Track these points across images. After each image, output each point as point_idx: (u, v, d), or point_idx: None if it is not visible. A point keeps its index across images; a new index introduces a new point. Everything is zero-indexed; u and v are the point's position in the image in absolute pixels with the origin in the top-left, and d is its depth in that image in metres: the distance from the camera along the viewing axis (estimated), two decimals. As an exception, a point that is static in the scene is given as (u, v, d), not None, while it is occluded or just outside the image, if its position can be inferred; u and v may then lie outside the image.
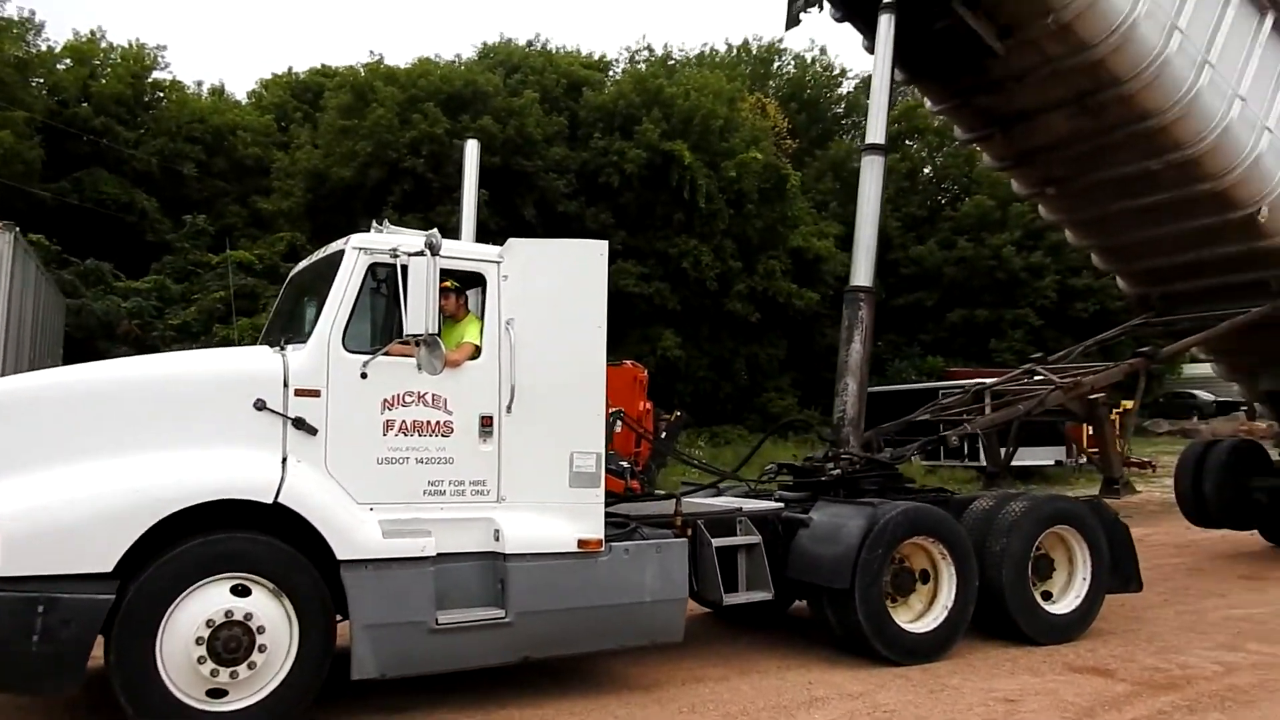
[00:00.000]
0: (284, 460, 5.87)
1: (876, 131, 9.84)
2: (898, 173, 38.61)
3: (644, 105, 31.09)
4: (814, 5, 10.37)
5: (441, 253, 6.10)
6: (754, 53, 45.22)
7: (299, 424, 5.92)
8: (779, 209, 32.57)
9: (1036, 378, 11.22)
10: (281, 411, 5.92)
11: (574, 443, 6.58)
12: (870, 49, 10.82)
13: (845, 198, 37.73)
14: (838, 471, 8.72)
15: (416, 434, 6.21)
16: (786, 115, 39.48)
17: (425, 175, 27.97)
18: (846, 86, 45.39)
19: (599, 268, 6.79)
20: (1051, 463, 23.58)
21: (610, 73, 37.43)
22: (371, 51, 38.15)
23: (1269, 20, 10.90)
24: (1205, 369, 28.38)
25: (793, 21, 10.62)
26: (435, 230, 6.33)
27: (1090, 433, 24.38)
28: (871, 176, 9.73)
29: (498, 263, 6.67)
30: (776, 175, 32.49)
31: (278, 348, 6.23)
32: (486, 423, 6.43)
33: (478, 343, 6.55)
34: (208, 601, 5.55)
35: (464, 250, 6.79)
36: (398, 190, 27.92)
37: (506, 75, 32.84)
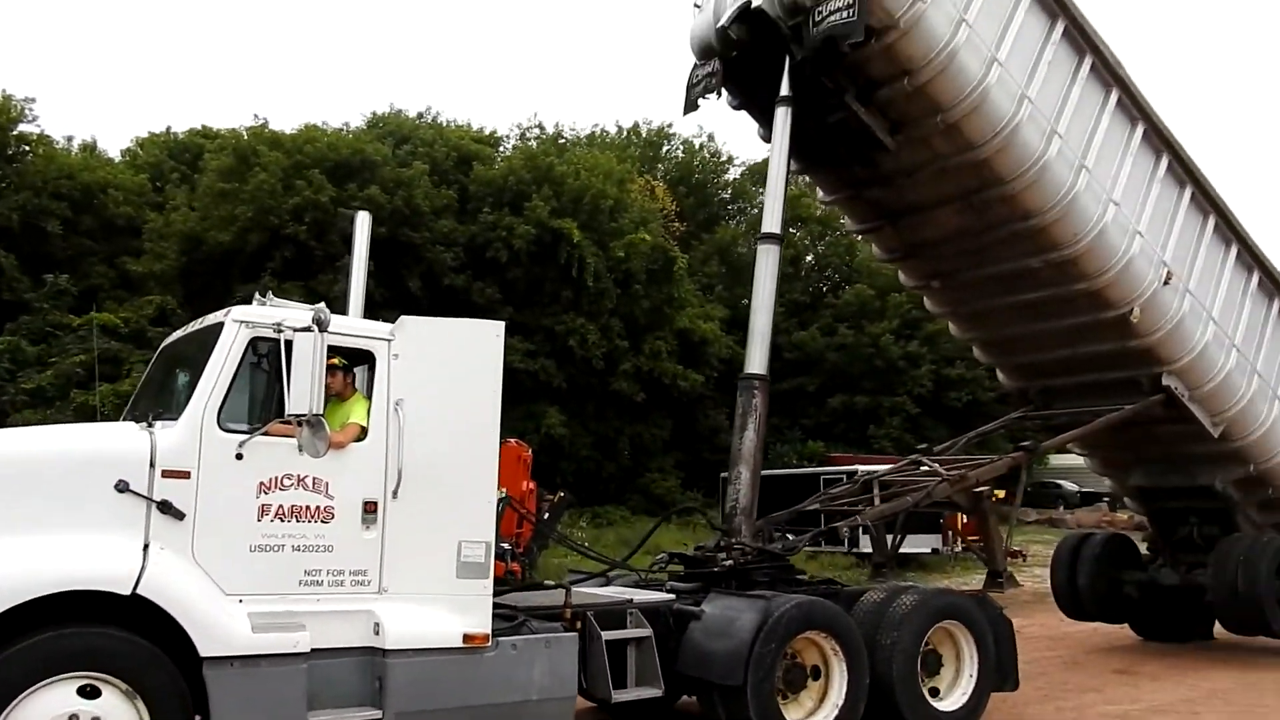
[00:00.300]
0: (146, 547, 5.42)
1: (772, 221, 9.94)
2: (782, 260, 39.15)
3: (534, 182, 31.15)
4: (712, 91, 10.46)
5: (330, 329, 5.78)
6: (644, 135, 45.96)
7: (165, 508, 5.48)
8: (666, 290, 32.83)
9: (923, 469, 11.31)
10: (146, 494, 5.48)
11: (462, 531, 6.27)
12: (765, 137, 11.02)
13: (731, 281, 38.32)
14: (730, 562, 8.57)
15: (294, 519, 5.84)
16: (675, 198, 40.08)
17: (308, 243, 27.35)
18: (734, 173, 46.43)
19: (494, 349, 6.57)
20: (929, 551, 23.94)
21: (501, 148, 37.50)
22: (256, 115, 37.33)
23: (1139, 130, 11.43)
24: (1070, 460, 29.47)
25: (691, 106, 10.70)
26: (323, 305, 6.01)
27: (966, 521, 24.96)
28: (767, 265, 9.79)
29: (388, 340, 6.39)
30: (664, 257, 32.81)
31: (145, 424, 5.79)
32: (370, 508, 6.09)
33: (364, 424, 6.22)
34: (48, 705, 5.04)
35: (353, 327, 6.49)
36: (278, 257, 27.21)
37: (396, 145, 32.60)
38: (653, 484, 31.61)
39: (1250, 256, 12.49)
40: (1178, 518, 13.76)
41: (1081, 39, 10.93)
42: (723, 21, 10.08)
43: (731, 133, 60.88)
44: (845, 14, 9.15)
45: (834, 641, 7.82)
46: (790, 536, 9.69)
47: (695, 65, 10.67)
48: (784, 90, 9.93)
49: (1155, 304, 11.27)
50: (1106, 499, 41.01)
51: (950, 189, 10.73)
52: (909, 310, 37.42)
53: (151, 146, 37.07)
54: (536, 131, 39.82)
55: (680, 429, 33.67)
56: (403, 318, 6.55)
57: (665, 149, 46.30)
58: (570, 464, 29.28)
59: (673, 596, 8.14)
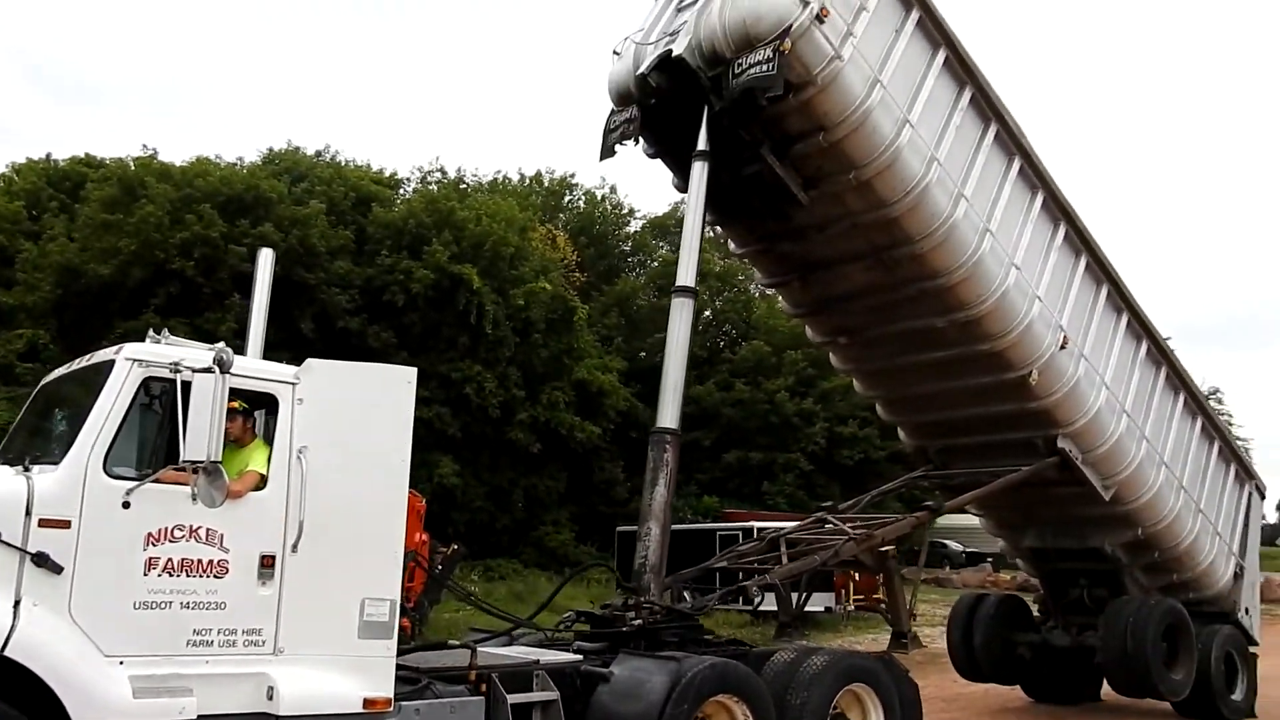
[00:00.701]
0: (17, 604, 4.94)
1: (686, 274, 9.88)
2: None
3: (435, 226, 30.69)
4: (630, 138, 10.38)
5: (232, 370, 5.41)
6: (546, 184, 45.95)
7: (40, 560, 5.02)
8: (565, 340, 32.60)
9: (828, 527, 11.27)
10: (19, 545, 4.99)
11: (366, 588, 5.90)
12: (679, 186, 11.01)
13: (630, 333, 38.32)
14: (639, 621, 8.32)
15: (184, 574, 5.40)
16: (576, 248, 40.05)
17: (195, 279, 26.34)
18: (635, 225, 46.68)
19: (405, 397, 6.25)
20: (822, 609, 23.99)
21: (401, 190, 36.98)
22: (145, 145, 36.05)
23: (1039, 198, 11.75)
24: (955, 520, 30.03)
25: (608, 152, 10.60)
26: (224, 345, 5.62)
27: (857, 580, 25.12)
28: (680, 318, 9.71)
29: (293, 384, 6.02)
30: (564, 306, 32.62)
31: (20, 468, 5.30)
32: (267, 563, 5.68)
33: (263, 471, 5.82)
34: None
35: (256, 369, 6.11)
36: (162, 293, 26.10)
37: (292, 183, 31.79)
38: (546, 537, 31.13)
39: (1139, 326, 12.89)
40: (1068, 580, 13.98)
41: (987, 107, 11.23)
42: (643, 69, 10.05)
43: (633, 185, 61.54)
44: (765, 67, 9.21)
45: (745, 706, 7.60)
46: (689, 596, 9.51)
47: (613, 111, 10.60)
48: (702, 144, 9.92)
49: (1052, 367, 11.51)
50: (990, 559, 41.99)
51: (861, 245, 10.83)
52: (804, 368, 37.93)
53: (29, 173, 35.41)
54: (438, 175, 39.45)
55: (576, 481, 33.33)
56: (309, 360, 6.20)
57: (567, 199, 46.37)
58: (463, 515, 28.65)
59: (580, 657, 7.85)
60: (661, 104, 10.28)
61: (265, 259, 7.74)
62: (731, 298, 42.22)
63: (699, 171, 9.90)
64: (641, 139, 10.70)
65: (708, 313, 43.65)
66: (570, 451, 32.52)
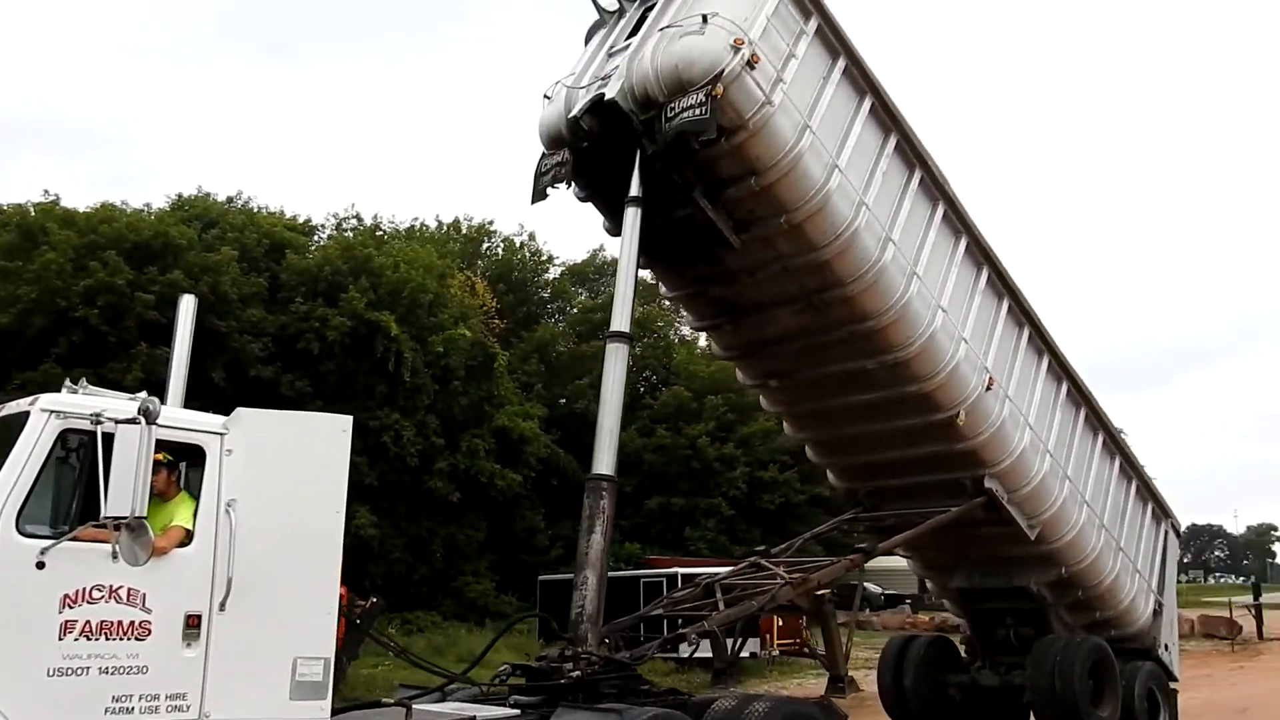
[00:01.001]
0: (-83, 674, 4.54)
1: (621, 320, 9.81)
2: (601, 360, 39.48)
3: (351, 273, 30.21)
4: (562, 181, 10.30)
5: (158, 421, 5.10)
6: (464, 231, 45.63)
7: (-57, 626, 4.63)
8: (485, 387, 32.23)
9: (762, 571, 11.18)
10: (-79, 611, 4.61)
11: (299, 647, 5.62)
12: (611, 231, 10.96)
13: (550, 380, 38.08)
14: (577, 673, 8.08)
15: (103, 637, 5.06)
16: (495, 295, 39.76)
17: (99, 328, 25.43)
18: (554, 272, 46.56)
19: (340, 447, 6.02)
20: (748, 655, 23.85)
21: (315, 237, 36.35)
22: (46, 191, 34.83)
23: (963, 242, 11.96)
24: (874, 562, 30.28)
25: (539, 195, 10.50)
26: (147, 394, 5.31)
27: (780, 625, 25.08)
28: (615, 364, 9.63)
29: (221, 434, 5.74)
30: (484, 353, 32.30)
31: (-79, 526, 4.91)
32: (193, 623, 5.37)
33: (189, 526, 5.51)
34: None
35: (182, 419, 5.79)
36: (64, 342, 25.13)
37: (202, 230, 31.03)
38: (466, 587, 30.53)
39: (1059, 367, 13.15)
40: (996, 619, 14.07)
41: (911, 154, 11.43)
42: (574, 112, 10.01)
43: (552, 232, 61.50)
44: (698, 111, 9.22)
45: (689, 756, 7.42)
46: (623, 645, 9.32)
47: (544, 155, 10.52)
48: (634, 190, 9.89)
49: (979, 408, 11.66)
50: (909, 601, 42.41)
51: (792, 289, 10.87)
52: (725, 413, 38.07)
53: (-77, 219, 34.00)
54: (354, 222, 38.88)
55: (496, 530, 32.81)
56: (239, 410, 5.91)
57: (485, 246, 46.09)
58: (380, 566, 27.93)
59: (517, 712, 7.61)
60: (593, 147, 10.24)
61: (186, 306, 7.44)
62: (651, 344, 42.28)
63: (632, 218, 9.85)
64: (573, 183, 10.62)
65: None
66: (490, 500, 32.05)
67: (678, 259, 11.20)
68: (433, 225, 44.85)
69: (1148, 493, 14.72)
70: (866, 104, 10.96)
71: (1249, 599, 44.03)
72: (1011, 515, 12.25)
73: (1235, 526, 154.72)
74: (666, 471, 37.41)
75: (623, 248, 9.92)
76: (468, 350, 31.38)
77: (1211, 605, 43.18)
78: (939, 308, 11.32)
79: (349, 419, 6.17)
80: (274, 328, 28.93)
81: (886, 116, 11.17)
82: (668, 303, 43.51)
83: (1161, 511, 14.97)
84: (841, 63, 10.74)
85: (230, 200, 35.44)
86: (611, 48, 10.54)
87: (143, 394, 5.45)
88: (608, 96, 9.74)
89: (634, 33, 10.42)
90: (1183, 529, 16.47)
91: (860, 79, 10.94)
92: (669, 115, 9.45)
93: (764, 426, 38.24)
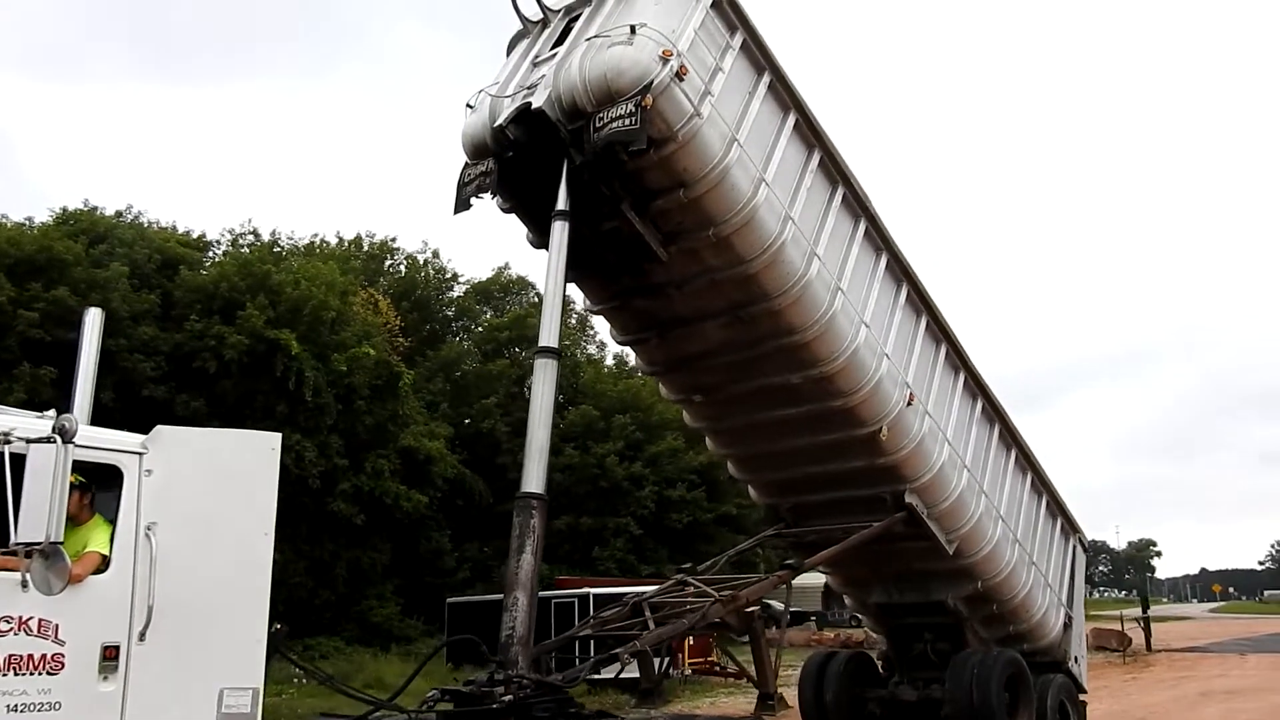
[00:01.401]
0: None
1: (549, 335, 9.53)
2: (508, 378, 39.18)
3: (249, 290, 29.38)
4: (486, 190, 10.03)
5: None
6: (366, 248, 44.77)
7: None
8: (390, 406, 31.60)
9: (689, 590, 11.03)
10: None
11: (226, 676, 5.28)
12: (535, 243, 10.74)
13: (456, 399, 37.52)
14: (509, 698, 7.79)
15: (12, 672, 4.67)
16: (399, 313, 39.06)
17: (-21, 347, 24.22)
18: (458, 290, 45.98)
19: (268, 465, 5.66)
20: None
21: (210, 253, 35.22)
22: (-81, 205, 33.15)
23: (883, 260, 12.04)
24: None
25: (463, 205, 10.21)
26: (67, 414, 4.90)
27: (691, 645, 24.96)
28: (544, 380, 9.37)
29: (140, 454, 5.34)
30: (388, 372, 31.65)
31: None
32: (110, 654, 4.98)
33: (105, 552, 5.12)
34: None
35: (97, 437, 5.37)
36: (-61, 361, 23.90)
37: (90, 245, 29.77)
38: (371, 612, 29.80)
39: (975, 384, 13.33)
40: (913, 634, 14.16)
41: (834, 170, 11.45)
42: (500, 121, 9.76)
43: (456, 250, 60.77)
44: (627, 121, 9.08)
45: (628, 781, 7.20)
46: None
47: (467, 165, 10.24)
48: (562, 203, 9.66)
49: (900, 423, 11.72)
50: (813, 618, 42.78)
51: (719, 302, 10.78)
52: (633, 432, 38.02)
53: None
54: (250, 238, 37.84)
55: (401, 552, 32.13)
56: (159, 427, 5.52)
57: (388, 263, 45.31)
58: (281, 592, 26.77)
59: (448, 740, 7.26)
60: (518, 157, 10.01)
61: (92, 320, 6.97)
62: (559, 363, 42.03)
63: (559, 231, 9.63)
64: (497, 194, 10.37)
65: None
66: (396, 522, 31.39)
67: (603, 271, 11.02)
68: (333, 242, 44.01)
69: (1057, 508, 15.01)
70: (790, 120, 10.94)
71: (1138, 611, 45.58)
72: (931, 530, 12.33)
73: (1117, 542, 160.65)
74: (575, 491, 37.16)
75: (550, 262, 9.69)
76: (372, 369, 30.73)
77: (1100, 619, 44.55)
78: (862, 323, 11.36)
79: (278, 436, 5.81)
80: (167, 346, 27.97)
81: (810, 133, 11.17)
82: (574, 321, 43.50)
83: (1070, 526, 15.28)
84: (766, 78, 10.71)
85: (120, 215, 34.17)
86: (536, 57, 10.33)
87: (52, 410, 5.04)
88: (535, 105, 9.53)
89: (559, 43, 10.25)
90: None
91: (784, 95, 10.93)
92: (598, 125, 9.28)
93: (671, 445, 38.34)
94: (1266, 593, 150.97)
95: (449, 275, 46.17)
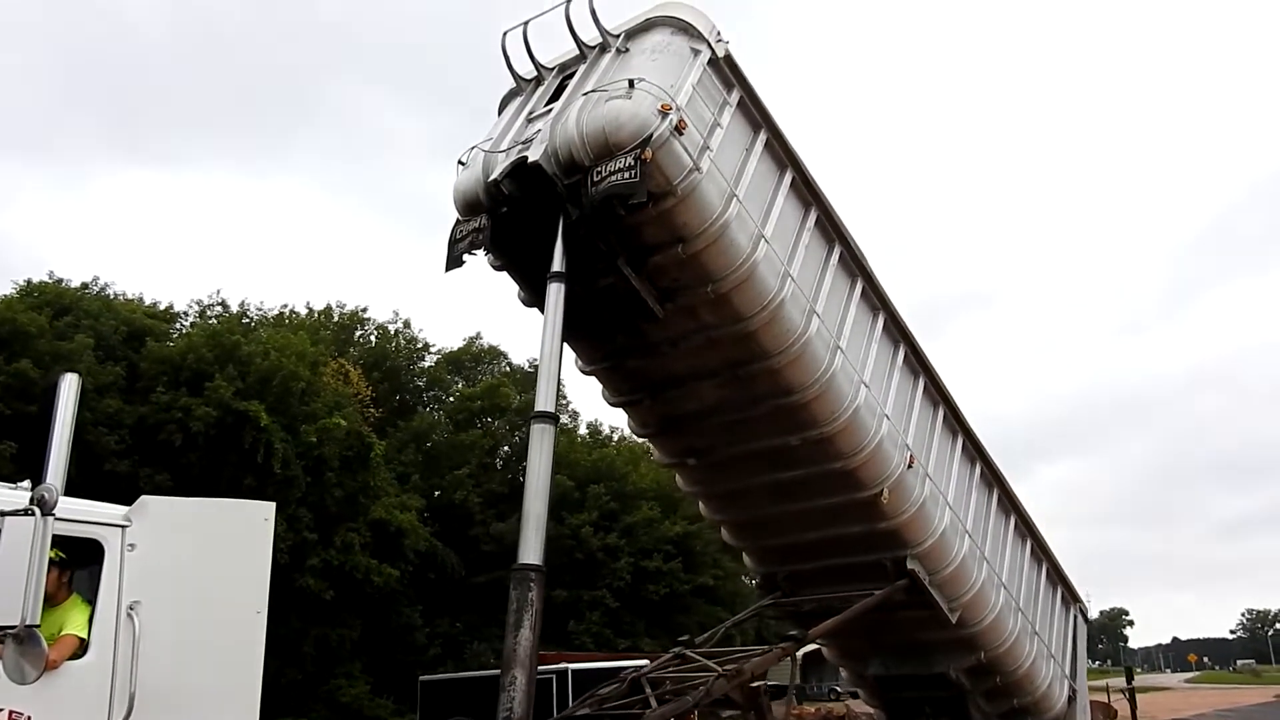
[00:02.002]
0: None
1: (546, 400, 9.19)
2: (480, 448, 38.57)
3: (217, 361, 28.82)
4: (479, 247, 9.71)
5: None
6: (336, 318, 44.23)
7: None
8: (361, 478, 30.88)
9: (691, 664, 10.54)
10: None
11: (213, 768, 4.69)
12: (526, 301, 10.45)
13: (428, 471, 36.83)
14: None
15: (-19, 768, 4.10)
16: (369, 383, 38.48)
17: (-63, 419, 23.37)
18: (429, 360, 45.43)
19: (261, 537, 5.20)
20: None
21: (178, 325, 34.60)
22: (-123, 276, 32.42)
23: (881, 319, 11.82)
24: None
25: (455, 262, 9.87)
26: (46, 484, 4.43)
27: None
28: (541, 446, 9.01)
29: (123, 526, 4.89)
30: (359, 443, 31.00)
31: None
32: (89, 748, 4.42)
33: (82, 635, 4.66)
34: None
35: (81, 510, 4.90)
36: (-103, 435, 23.01)
37: (54, 317, 29.15)
38: (340, 691, 28.78)
39: (973, 447, 13.08)
40: (913, 709, 13.66)
41: (831, 229, 11.27)
42: (494, 175, 9.49)
43: (427, 320, 60.43)
44: (627, 175, 8.82)
45: None
46: None
47: (459, 221, 9.95)
48: (557, 265, 9.37)
49: (901, 486, 11.39)
50: (794, 692, 41.93)
51: (715, 361, 10.47)
52: (608, 502, 37.45)
53: None
54: (219, 309, 37.24)
55: (371, 628, 31.19)
56: (144, 498, 5.09)
57: (359, 333, 44.79)
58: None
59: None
60: (512, 213, 9.72)
61: (69, 385, 6.47)
62: (531, 432, 41.52)
63: (555, 293, 9.32)
64: (490, 251, 10.06)
65: (506, 448, 42.66)
66: (366, 597, 30.50)
67: (597, 332, 10.70)
68: (303, 312, 43.46)
69: (1057, 576, 14.70)
70: (788, 177, 10.78)
71: (1121, 682, 45.04)
72: (934, 598, 11.93)
73: (1089, 611, 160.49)
74: (549, 563, 36.27)
75: (546, 325, 9.35)
76: (343, 440, 30.11)
77: (1083, 689, 43.88)
78: (862, 383, 11.08)
79: (271, 506, 5.35)
80: (132, 419, 27.29)
81: (807, 191, 11.01)
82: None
83: (1070, 595, 14.97)
84: (763, 135, 10.56)
85: (85, 287, 33.56)
86: (531, 113, 10.14)
87: (27, 481, 4.58)
88: (531, 159, 9.27)
89: (554, 98, 10.07)
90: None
91: (781, 153, 10.78)
92: (596, 179, 9.02)
93: (647, 515, 37.75)
94: (1239, 662, 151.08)
95: (420, 345, 45.73)
